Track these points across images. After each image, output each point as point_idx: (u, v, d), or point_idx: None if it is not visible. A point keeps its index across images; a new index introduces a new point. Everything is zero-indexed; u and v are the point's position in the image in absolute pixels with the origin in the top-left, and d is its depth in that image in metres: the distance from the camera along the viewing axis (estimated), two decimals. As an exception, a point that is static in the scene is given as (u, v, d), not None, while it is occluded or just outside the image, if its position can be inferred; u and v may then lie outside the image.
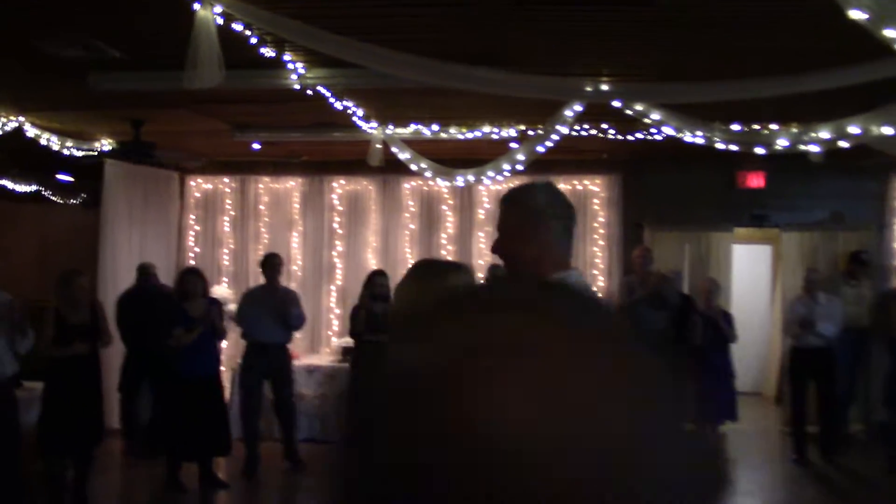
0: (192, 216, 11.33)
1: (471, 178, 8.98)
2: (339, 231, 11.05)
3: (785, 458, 8.37)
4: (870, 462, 7.96)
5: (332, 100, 6.93)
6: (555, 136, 7.52)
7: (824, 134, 6.25)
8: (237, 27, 4.99)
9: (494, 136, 8.43)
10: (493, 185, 10.12)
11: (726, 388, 8.75)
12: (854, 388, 8.53)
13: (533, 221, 2.41)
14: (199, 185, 11.35)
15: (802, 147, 6.80)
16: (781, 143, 6.69)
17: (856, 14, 3.54)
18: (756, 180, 10.20)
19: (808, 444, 8.21)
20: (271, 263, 8.15)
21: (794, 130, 6.92)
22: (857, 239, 9.81)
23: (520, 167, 8.33)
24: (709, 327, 8.09)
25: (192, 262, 10.54)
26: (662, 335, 7.11)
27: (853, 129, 6.03)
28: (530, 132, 8.26)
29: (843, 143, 6.31)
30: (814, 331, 8.10)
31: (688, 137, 7.11)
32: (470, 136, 8.43)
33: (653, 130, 7.81)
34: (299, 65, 6.11)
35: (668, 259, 9.74)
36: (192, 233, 11.32)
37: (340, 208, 11.08)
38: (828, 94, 5.44)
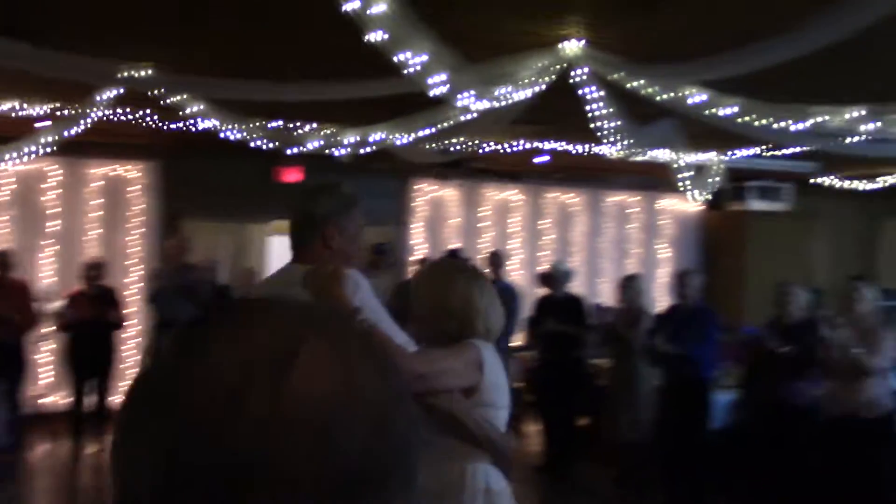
0: None
1: (-11, 156, 8.14)
2: None
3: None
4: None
5: None
6: (89, 119, 7.15)
7: (351, 138, 6.81)
8: None
9: (19, 113, 7.75)
10: (13, 167, 9.23)
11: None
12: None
13: None
14: None
15: (333, 149, 7.32)
16: (314, 143, 7.13)
17: (374, 36, 3.95)
18: (294, 175, 10.66)
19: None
20: None
21: (327, 132, 7.42)
22: (380, 234, 10.76)
23: (48, 149, 7.77)
24: None
25: None
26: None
27: (376, 136, 6.66)
28: (62, 112, 7.73)
29: (366, 148, 6.92)
30: None
31: (228, 132, 7.22)
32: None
33: (193, 121, 7.77)
34: None
35: (206, 249, 9.77)
36: None
37: None
38: (360, 102, 5.91)
